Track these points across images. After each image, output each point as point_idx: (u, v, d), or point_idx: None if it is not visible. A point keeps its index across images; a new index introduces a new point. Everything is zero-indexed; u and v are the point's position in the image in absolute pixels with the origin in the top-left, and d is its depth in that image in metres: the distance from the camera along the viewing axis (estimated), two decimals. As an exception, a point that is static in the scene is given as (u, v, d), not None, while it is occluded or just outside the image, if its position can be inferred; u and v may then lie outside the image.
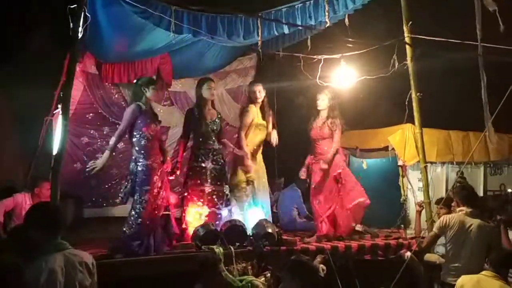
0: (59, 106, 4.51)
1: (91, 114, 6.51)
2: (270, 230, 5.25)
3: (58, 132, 4.46)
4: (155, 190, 4.85)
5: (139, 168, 4.85)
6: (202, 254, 4.75)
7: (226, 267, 4.63)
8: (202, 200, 5.41)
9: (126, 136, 5.02)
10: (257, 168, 5.92)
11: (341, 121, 5.97)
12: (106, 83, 6.39)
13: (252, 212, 5.71)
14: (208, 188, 5.45)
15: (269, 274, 4.82)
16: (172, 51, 6.20)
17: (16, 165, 6.21)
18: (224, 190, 5.51)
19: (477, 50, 4.46)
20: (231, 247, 4.96)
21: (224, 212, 5.48)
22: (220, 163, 5.56)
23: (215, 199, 5.45)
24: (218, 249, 4.82)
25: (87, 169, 4.83)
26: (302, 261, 3.09)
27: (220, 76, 7.55)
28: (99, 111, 6.43)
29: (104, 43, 5.23)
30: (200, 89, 5.66)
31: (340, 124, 5.95)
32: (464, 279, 4.00)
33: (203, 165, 5.49)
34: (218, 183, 5.49)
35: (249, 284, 4.61)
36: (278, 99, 6.99)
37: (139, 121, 4.90)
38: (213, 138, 5.60)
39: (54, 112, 5.57)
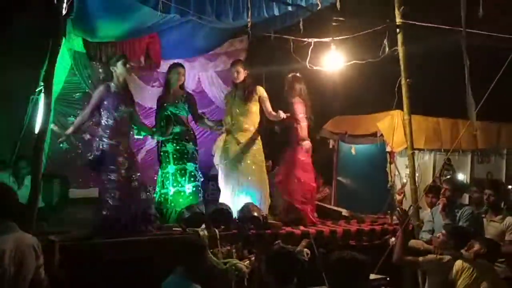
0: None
1: (78, 94, 6.44)
2: (255, 214, 5.25)
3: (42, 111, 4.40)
4: (123, 171, 4.81)
5: (104, 147, 4.83)
6: (187, 237, 4.74)
7: (211, 250, 4.63)
8: (167, 182, 5.52)
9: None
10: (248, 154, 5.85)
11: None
12: (94, 62, 6.30)
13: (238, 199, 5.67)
14: (171, 170, 5.54)
15: (253, 258, 4.84)
16: (161, 31, 6.10)
17: (2, 144, 6.14)
18: (187, 167, 5.53)
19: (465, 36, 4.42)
20: (216, 230, 4.96)
21: (188, 189, 5.50)
22: (180, 145, 5.58)
23: (178, 178, 5.51)
24: (203, 232, 4.82)
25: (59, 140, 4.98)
26: (285, 253, 3.14)
27: (210, 58, 7.46)
28: (86, 90, 6.35)
29: (90, 20, 5.12)
30: (169, 73, 5.69)
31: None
32: (458, 264, 3.89)
33: (165, 149, 5.59)
34: (180, 162, 5.54)
35: (233, 266, 4.63)
36: (268, 81, 6.92)
37: (106, 102, 4.89)
38: (176, 121, 5.60)
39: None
